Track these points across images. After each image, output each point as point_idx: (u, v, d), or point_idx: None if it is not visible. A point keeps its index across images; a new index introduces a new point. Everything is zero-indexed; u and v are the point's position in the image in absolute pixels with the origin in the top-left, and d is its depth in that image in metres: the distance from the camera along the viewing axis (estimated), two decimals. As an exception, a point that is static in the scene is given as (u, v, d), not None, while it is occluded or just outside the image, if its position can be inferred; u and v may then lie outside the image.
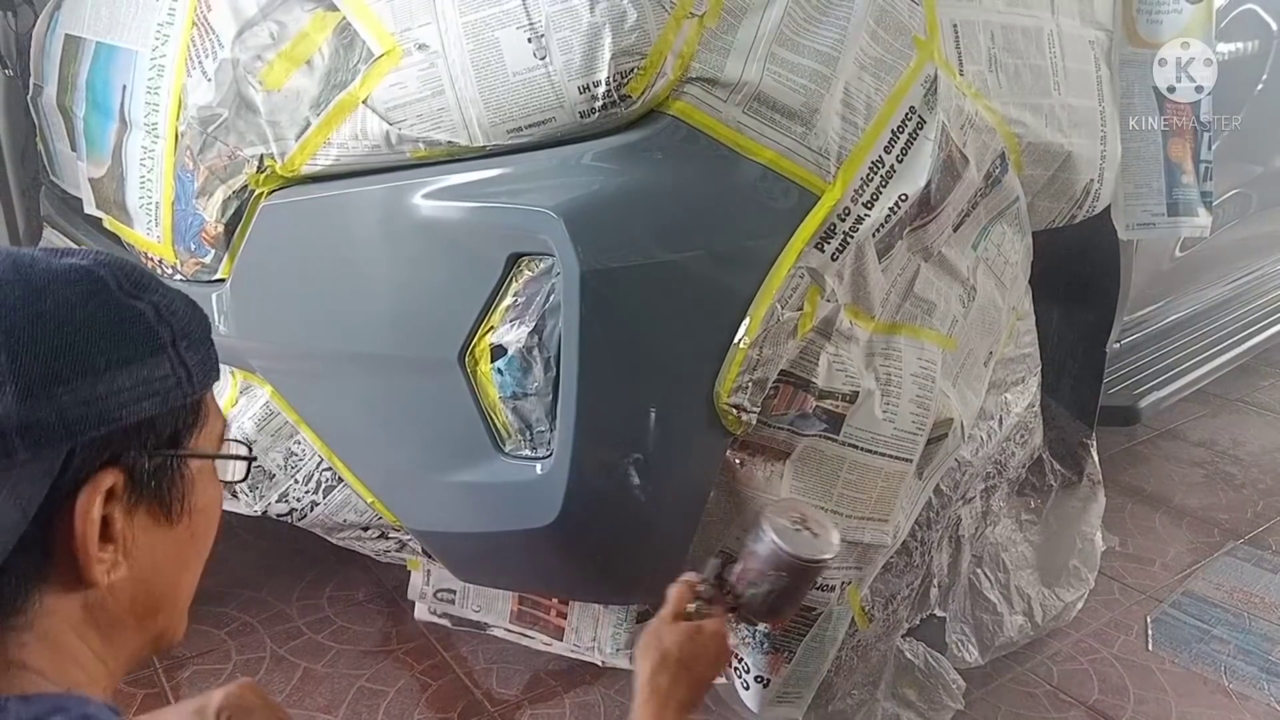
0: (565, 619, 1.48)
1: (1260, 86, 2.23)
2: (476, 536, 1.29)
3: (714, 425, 1.18)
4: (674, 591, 1.07)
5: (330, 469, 1.35)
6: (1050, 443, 1.89)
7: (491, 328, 1.13)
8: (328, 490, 1.36)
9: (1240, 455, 2.62)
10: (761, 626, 1.24)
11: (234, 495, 1.43)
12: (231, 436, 0.76)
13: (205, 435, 0.70)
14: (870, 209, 1.18)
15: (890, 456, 1.29)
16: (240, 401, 1.39)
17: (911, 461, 1.32)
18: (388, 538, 1.45)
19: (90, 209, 1.54)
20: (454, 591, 1.53)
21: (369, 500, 1.33)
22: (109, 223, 1.50)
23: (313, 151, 1.18)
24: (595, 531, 1.23)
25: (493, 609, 1.52)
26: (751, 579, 1.05)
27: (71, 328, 0.59)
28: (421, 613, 1.57)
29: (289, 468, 1.37)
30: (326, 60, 1.17)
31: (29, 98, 1.89)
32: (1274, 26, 2.21)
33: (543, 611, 1.50)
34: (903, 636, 1.61)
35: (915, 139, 1.20)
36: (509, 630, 1.53)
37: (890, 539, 1.35)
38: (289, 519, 1.41)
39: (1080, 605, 1.86)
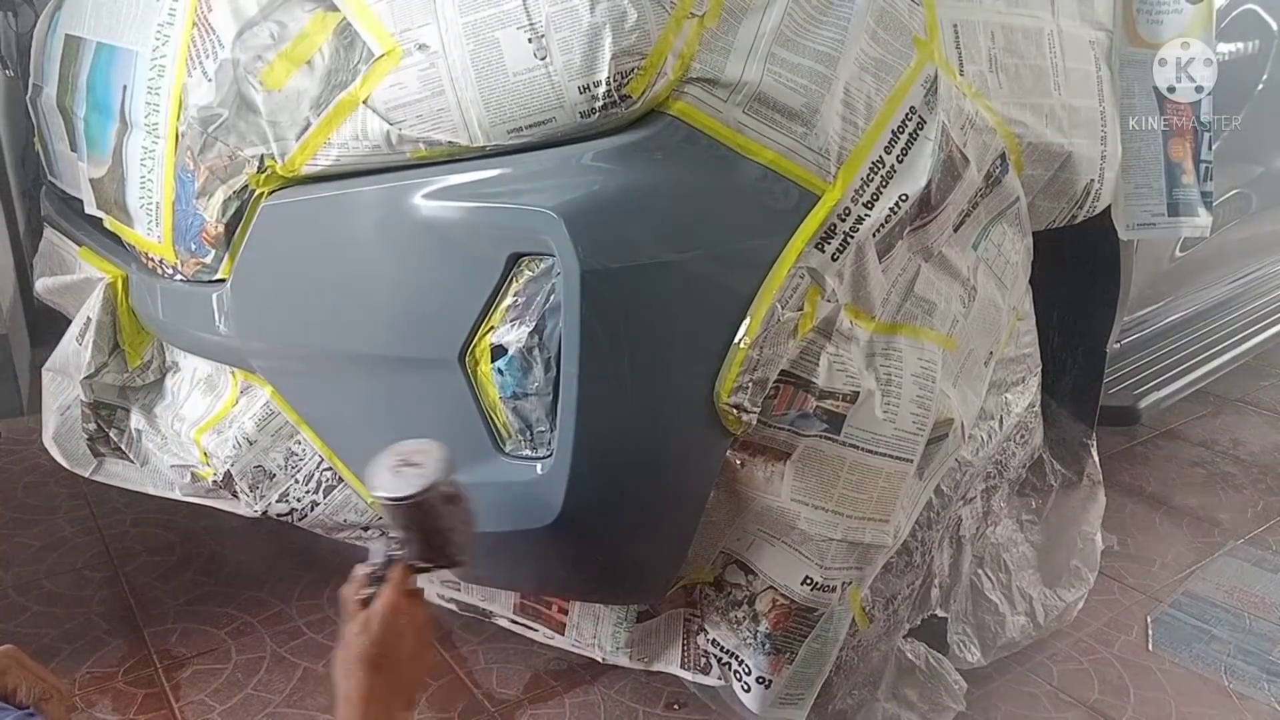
0: (566, 615, 1.48)
1: (1260, 86, 2.23)
2: (476, 536, 1.29)
3: (714, 425, 1.18)
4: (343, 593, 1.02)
5: (331, 469, 1.35)
6: (1050, 443, 1.89)
7: (492, 328, 1.13)
8: (328, 490, 1.36)
9: (1240, 455, 2.62)
10: (456, 570, 1.14)
11: (234, 495, 1.43)
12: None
13: None
14: (870, 209, 1.18)
15: (891, 457, 1.29)
16: (241, 401, 1.40)
17: (912, 462, 1.32)
18: (389, 538, 1.45)
19: (91, 209, 1.54)
20: (458, 583, 1.53)
21: (369, 500, 1.33)
22: (109, 223, 1.50)
23: (313, 152, 1.18)
24: (595, 532, 1.23)
25: (497, 598, 1.52)
26: (400, 537, 1.02)
27: None
28: (430, 596, 1.57)
29: (289, 468, 1.37)
30: (327, 60, 1.17)
31: (28, 98, 1.89)
32: (1274, 26, 2.21)
33: (545, 606, 1.50)
34: (904, 637, 1.61)
35: (915, 139, 1.21)
36: (513, 621, 1.53)
37: (890, 539, 1.35)
38: (289, 519, 1.41)
39: (1080, 605, 1.86)
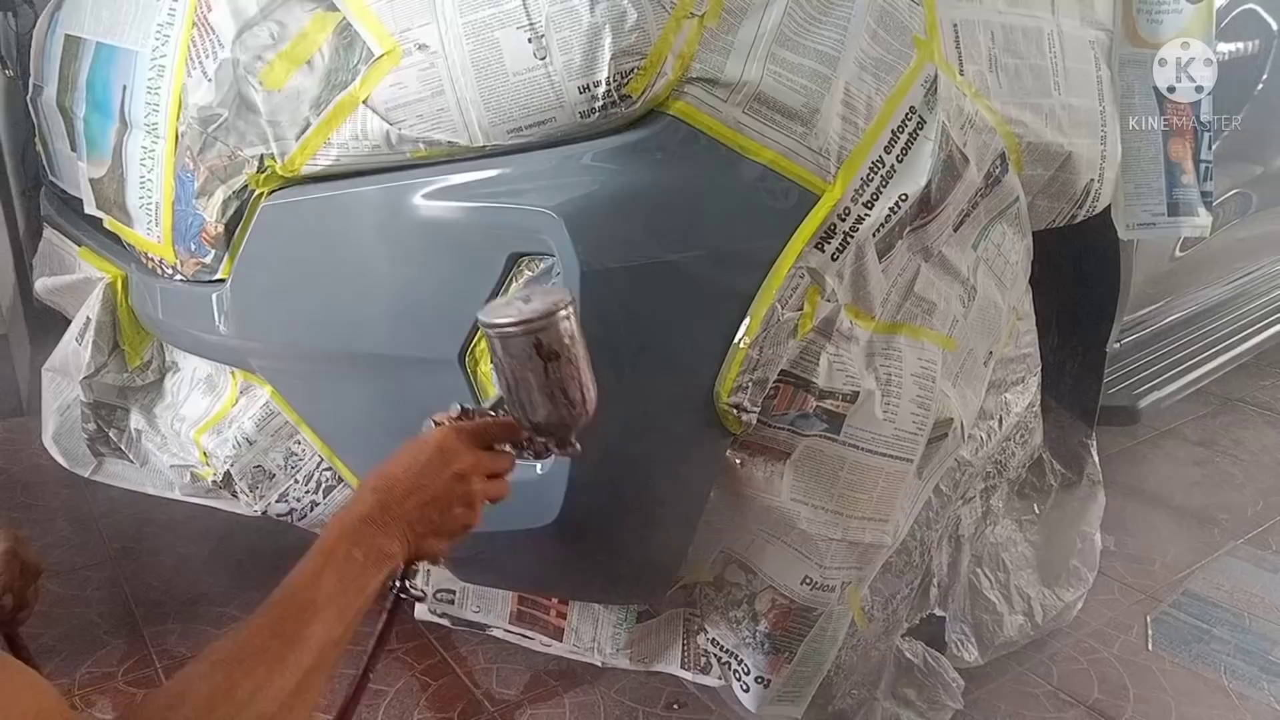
0: (565, 619, 1.48)
1: (1260, 86, 2.22)
2: (476, 536, 1.29)
3: (714, 425, 1.18)
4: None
5: (330, 469, 1.35)
6: (1050, 442, 1.89)
7: (492, 328, 1.13)
8: (328, 490, 1.36)
9: (1240, 455, 2.62)
10: (546, 441, 0.98)
11: (234, 495, 1.44)
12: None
13: None
14: (870, 209, 1.18)
15: (890, 456, 1.29)
16: (240, 401, 1.40)
17: (912, 461, 1.32)
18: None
19: (90, 209, 1.54)
20: (453, 592, 1.53)
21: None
22: (109, 223, 1.50)
23: (313, 152, 1.18)
24: (595, 532, 1.23)
25: (492, 610, 1.52)
26: (500, 388, 0.90)
27: None
28: (421, 612, 1.57)
29: (289, 468, 1.37)
30: (327, 60, 1.17)
31: (28, 98, 1.89)
32: (1274, 26, 2.21)
33: (542, 612, 1.50)
34: (902, 636, 1.61)
35: (915, 139, 1.21)
36: (509, 631, 1.53)
37: (890, 539, 1.35)
38: (289, 519, 1.41)
39: (1080, 605, 1.86)
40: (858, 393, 1.25)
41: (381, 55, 1.12)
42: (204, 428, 1.43)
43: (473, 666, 1.76)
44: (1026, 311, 1.62)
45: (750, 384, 1.16)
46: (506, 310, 0.89)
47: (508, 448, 0.96)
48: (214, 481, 1.43)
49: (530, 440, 0.96)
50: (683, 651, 1.45)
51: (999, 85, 1.34)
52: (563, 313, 0.90)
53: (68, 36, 1.61)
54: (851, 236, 1.17)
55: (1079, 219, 1.58)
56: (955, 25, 1.28)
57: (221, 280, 1.31)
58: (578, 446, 0.97)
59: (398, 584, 0.91)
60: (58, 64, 1.65)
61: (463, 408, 0.95)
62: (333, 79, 1.16)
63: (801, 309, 1.17)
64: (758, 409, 1.18)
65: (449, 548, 0.89)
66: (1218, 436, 2.72)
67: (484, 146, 1.11)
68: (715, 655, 1.43)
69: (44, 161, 1.90)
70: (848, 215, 1.17)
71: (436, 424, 0.93)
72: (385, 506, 0.84)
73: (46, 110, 1.74)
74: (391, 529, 0.84)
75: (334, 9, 1.16)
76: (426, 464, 0.87)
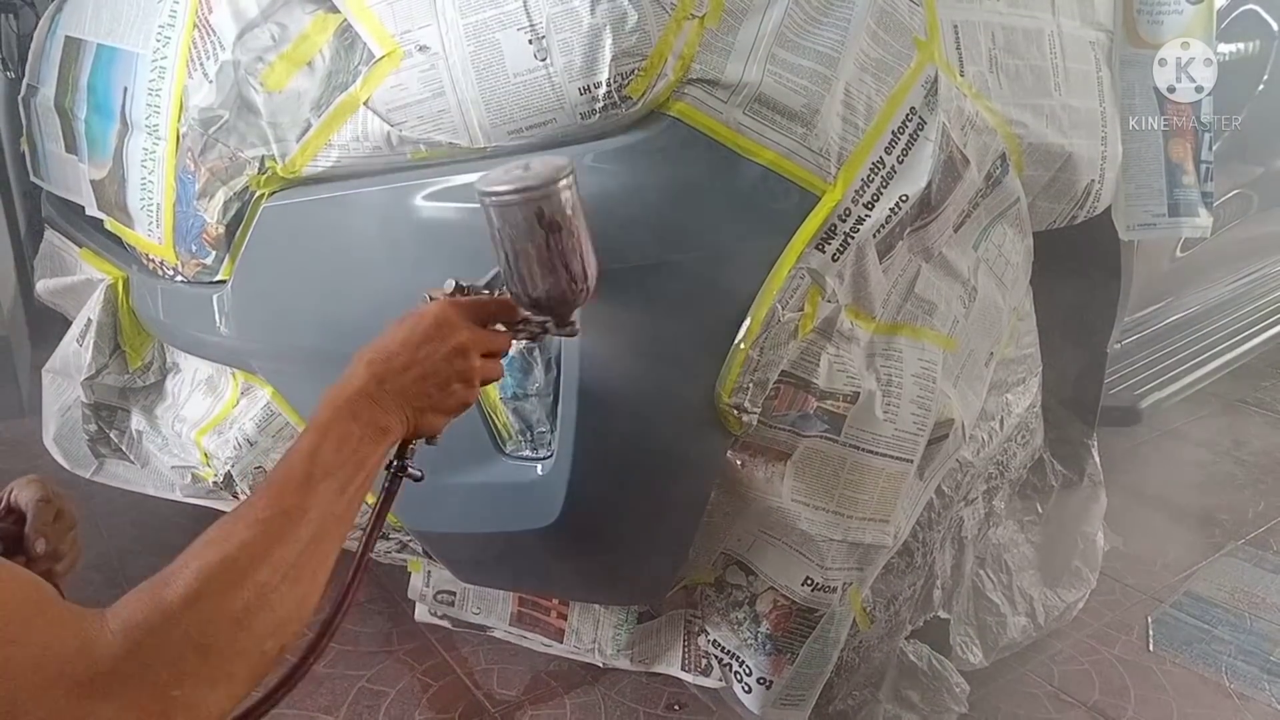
0: (565, 620, 1.48)
1: (1260, 87, 2.22)
2: (477, 537, 1.29)
3: (715, 426, 1.18)
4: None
5: (331, 470, 1.34)
6: (1051, 443, 1.89)
7: (492, 329, 1.13)
8: (329, 491, 1.36)
9: (1242, 455, 2.62)
10: (545, 320, 0.95)
11: (235, 496, 1.44)
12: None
13: None
14: (871, 210, 1.18)
15: (891, 457, 1.29)
16: (241, 403, 1.40)
17: (912, 462, 1.32)
18: (388, 538, 1.45)
19: (92, 211, 1.54)
20: (454, 593, 1.53)
21: (369, 501, 1.33)
22: (110, 224, 1.51)
23: (314, 153, 1.18)
24: (596, 532, 1.23)
25: (493, 611, 1.52)
26: (498, 263, 0.86)
27: None
28: (422, 614, 1.57)
29: (290, 469, 1.36)
30: (327, 62, 1.17)
31: (20, 98, 1.88)
32: (1274, 27, 2.21)
33: (543, 613, 1.50)
34: (907, 639, 1.61)
35: (916, 140, 1.20)
36: (509, 632, 1.53)
37: (891, 539, 1.35)
38: (290, 520, 1.40)
39: (1081, 605, 1.86)
40: (858, 393, 1.25)
41: (382, 57, 1.12)
42: (205, 429, 1.43)
43: (474, 667, 1.76)
44: (1027, 312, 1.62)
45: (751, 385, 1.16)
46: (505, 178, 0.85)
47: (502, 327, 0.94)
48: (215, 483, 1.43)
49: (527, 320, 0.92)
50: (683, 653, 1.45)
51: (999, 86, 1.34)
52: (564, 181, 0.86)
53: (68, 38, 1.61)
54: (852, 237, 1.17)
55: (1079, 220, 1.58)
56: (955, 26, 1.28)
57: (222, 281, 1.31)
58: (577, 326, 0.93)
59: (395, 463, 0.89)
60: (56, 65, 1.64)
61: (458, 284, 0.91)
62: (333, 80, 1.17)
63: (802, 310, 1.17)
64: (758, 410, 1.18)
65: (446, 424, 0.88)
66: (1219, 437, 2.72)
67: (485, 148, 1.11)
68: (716, 657, 1.42)
69: (29, 163, 1.88)
70: (848, 216, 1.17)
71: (432, 298, 0.90)
72: (381, 380, 0.82)
73: (41, 111, 1.73)
74: (388, 403, 0.82)
75: (335, 10, 1.16)
76: (424, 338, 0.85)
